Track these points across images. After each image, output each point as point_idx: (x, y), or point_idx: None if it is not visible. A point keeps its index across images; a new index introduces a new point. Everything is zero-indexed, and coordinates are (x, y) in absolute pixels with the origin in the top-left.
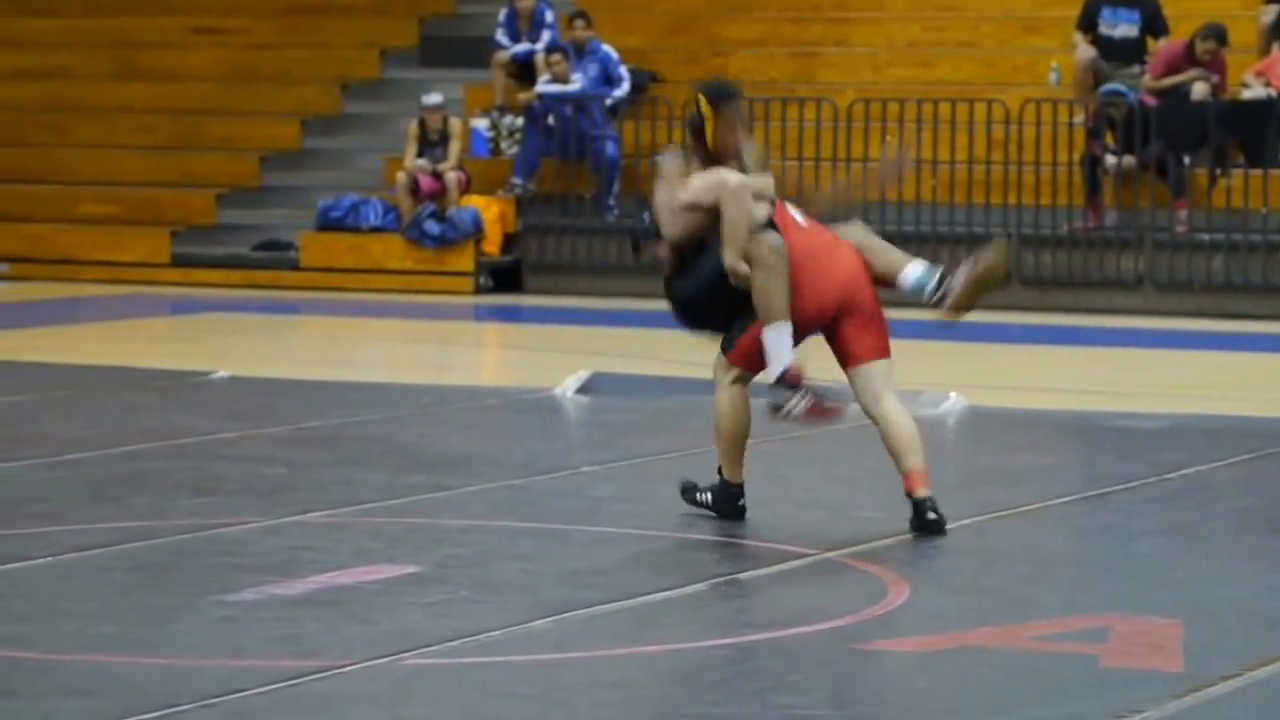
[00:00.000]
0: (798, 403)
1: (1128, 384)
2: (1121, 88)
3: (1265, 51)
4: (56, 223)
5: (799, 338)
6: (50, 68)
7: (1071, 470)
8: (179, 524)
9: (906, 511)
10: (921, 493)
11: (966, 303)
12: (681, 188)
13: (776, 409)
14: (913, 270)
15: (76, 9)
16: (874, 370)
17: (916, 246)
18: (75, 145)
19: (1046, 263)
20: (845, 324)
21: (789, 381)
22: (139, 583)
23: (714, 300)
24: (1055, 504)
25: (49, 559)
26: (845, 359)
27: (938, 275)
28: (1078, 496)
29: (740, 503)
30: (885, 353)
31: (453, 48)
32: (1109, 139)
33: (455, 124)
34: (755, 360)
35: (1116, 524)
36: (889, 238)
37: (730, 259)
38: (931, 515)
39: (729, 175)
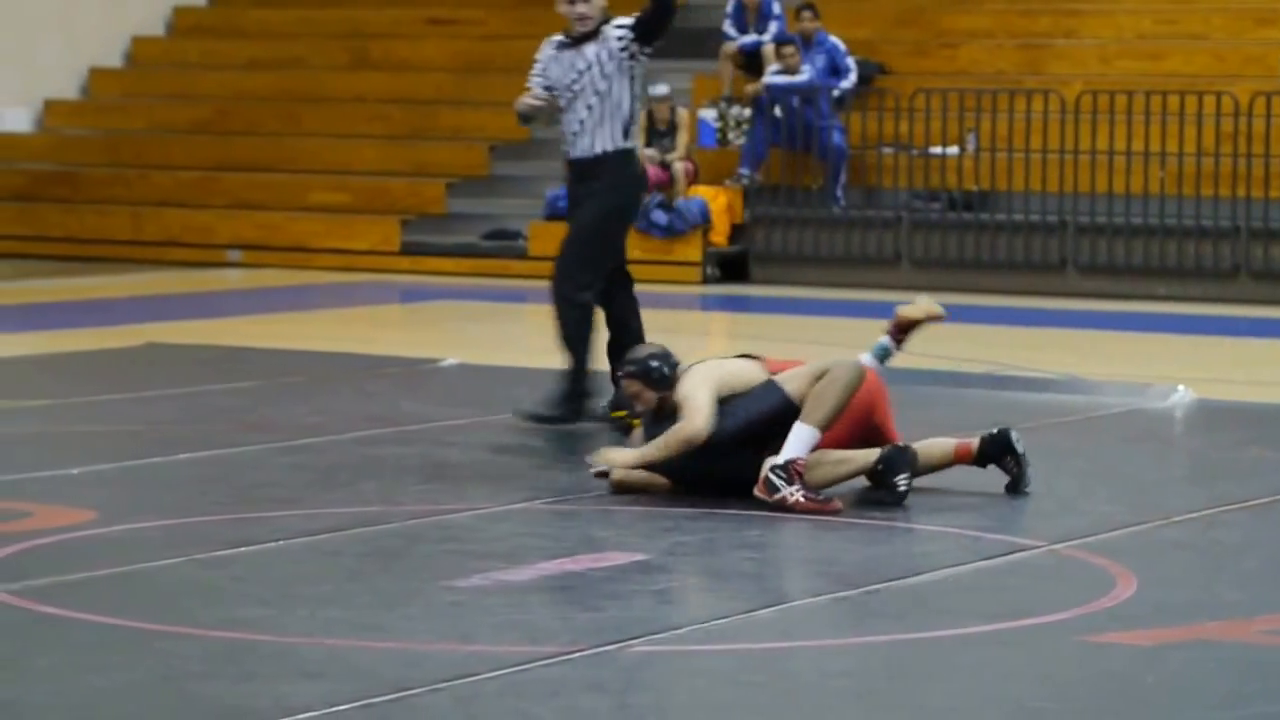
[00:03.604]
0: (795, 494)
1: None
2: None
3: None
4: (289, 211)
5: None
6: (284, 58)
7: None
8: (409, 509)
9: (1138, 505)
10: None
11: (910, 317)
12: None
13: (773, 490)
14: (863, 356)
15: (311, 0)
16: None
17: (1146, 239)
18: (308, 135)
19: (1276, 256)
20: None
21: (794, 470)
22: (369, 567)
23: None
24: None
25: (282, 543)
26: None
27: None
28: None
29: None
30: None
31: (681, 39)
32: None
33: (683, 114)
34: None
35: None
36: (1117, 230)
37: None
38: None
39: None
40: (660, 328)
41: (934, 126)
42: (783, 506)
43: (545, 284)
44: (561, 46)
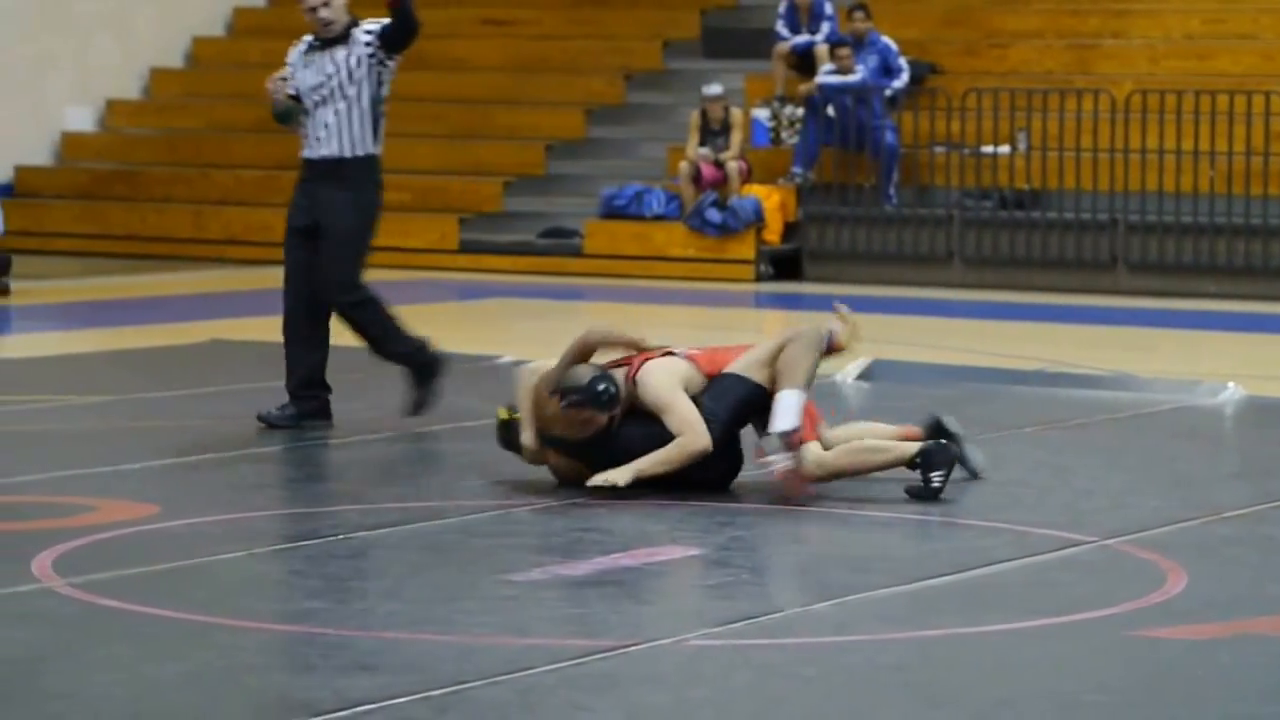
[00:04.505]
0: (783, 461)
1: None
2: None
3: None
4: None
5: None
6: None
7: None
8: (466, 504)
9: (1188, 501)
10: None
11: (846, 341)
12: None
13: (764, 454)
14: None
15: (367, 0)
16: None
17: (1195, 237)
18: None
19: None
20: None
21: (791, 441)
22: (428, 562)
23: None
24: None
25: (341, 537)
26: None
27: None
28: None
29: None
30: None
31: (734, 39)
32: None
33: (736, 114)
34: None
35: None
36: (1167, 229)
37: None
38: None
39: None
40: (714, 325)
41: (985, 126)
42: (767, 469)
43: (602, 281)
44: (310, 49)
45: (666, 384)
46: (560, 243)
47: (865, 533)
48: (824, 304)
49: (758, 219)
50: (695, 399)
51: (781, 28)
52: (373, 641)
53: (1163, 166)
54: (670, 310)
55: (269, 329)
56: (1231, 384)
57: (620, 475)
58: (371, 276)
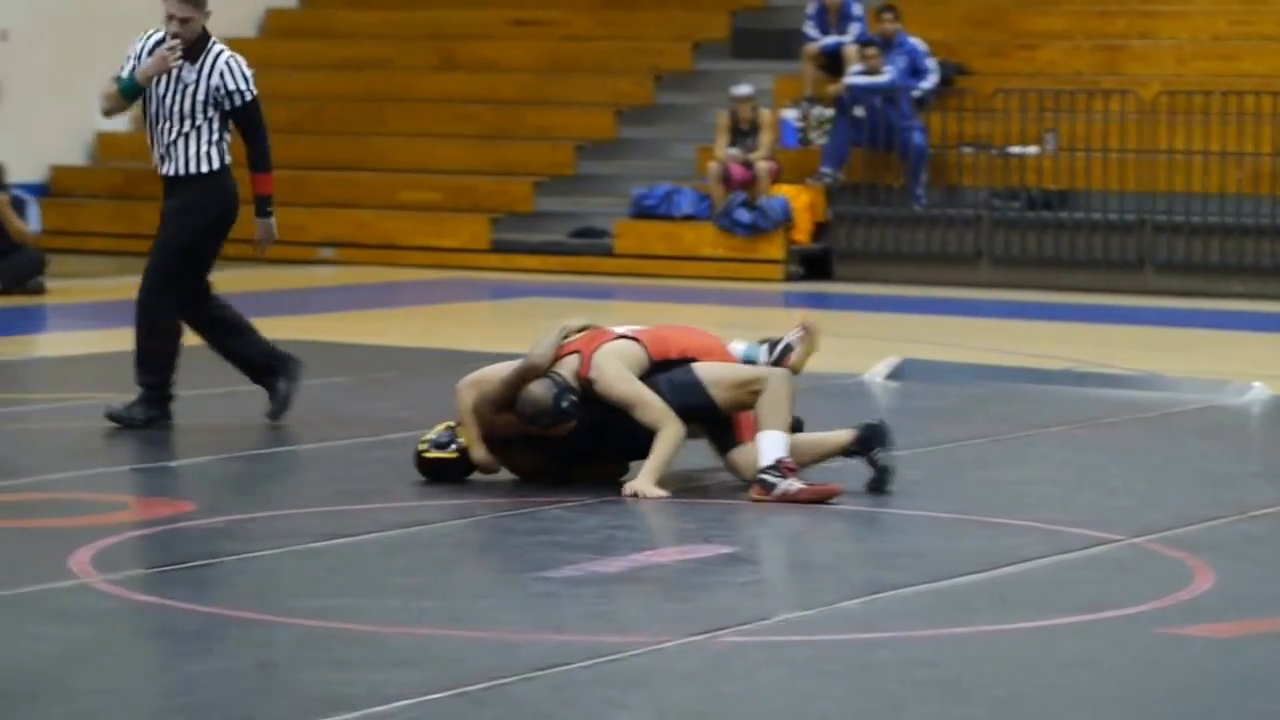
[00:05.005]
0: (793, 485)
1: None
2: None
3: None
4: (380, 209)
5: None
6: (373, 59)
7: None
8: (499, 502)
9: (1215, 499)
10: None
11: (802, 364)
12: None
13: (770, 487)
14: (736, 346)
15: (399, 2)
16: None
17: (1222, 238)
18: (397, 134)
19: None
20: None
21: (784, 468)
22: (461, 559)
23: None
24: None
25: (377, 534)
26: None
27: (765, 346)
28: None
29: None
30: None
31: (763, 40)
32: None
33: (765, 114)
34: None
35: None
36: (1194, 230)
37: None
38: None
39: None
40: (745, 325)
41: (1013, 126)
42: (785, 499)
43: (633, 281)
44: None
45: (624, 377)
46: (591, 242)
47: (894, 531)
48: (853, 303)
49: (787, 219)
50: (646, 381)
51: (810, 28)
52: (407, 638)
53: (1190, 167)
54: (700, 310)
55: (301, 328)
56: (1258, 383)
57: (646, 487)
58: (405, 276)
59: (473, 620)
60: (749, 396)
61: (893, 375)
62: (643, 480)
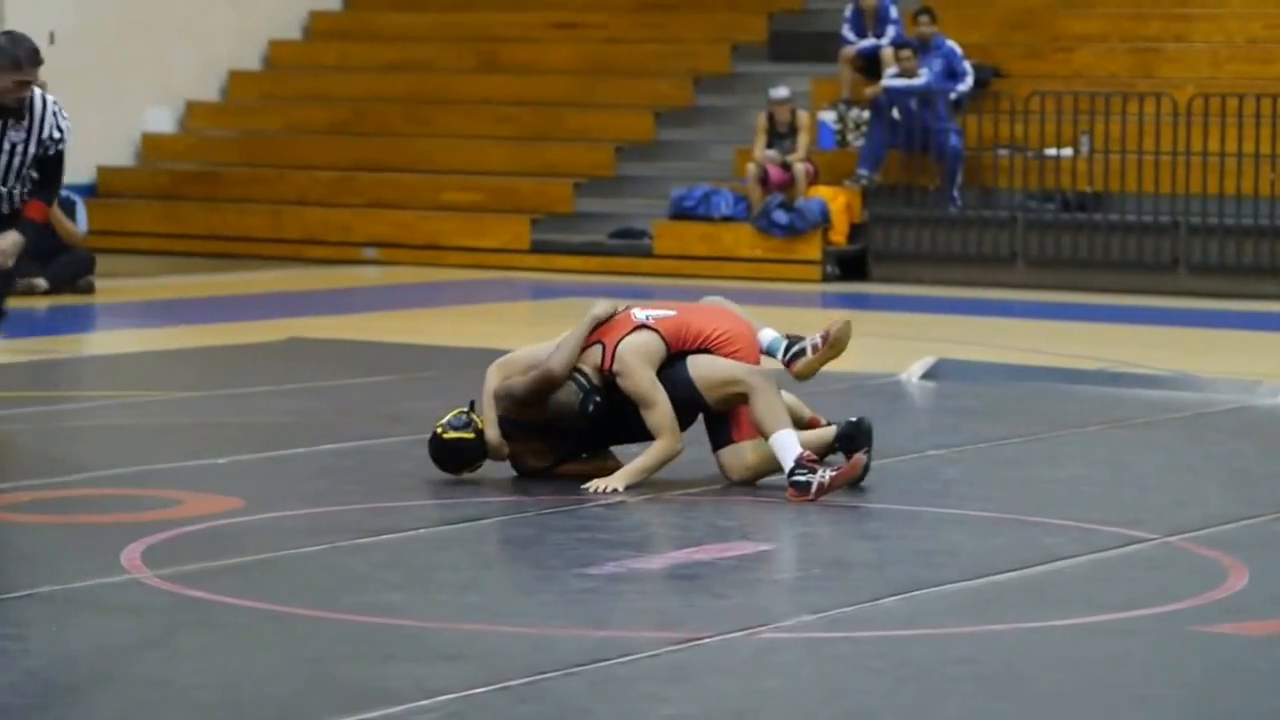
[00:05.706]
0: (824, 473)
1: None
2: None
3: None
4: (422, 210)
5: None
6: (416, 61)
7: None
8: (542, 499)
9: (1249, 499)
10: None
11: (810, 372)
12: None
13: (805, 487)
14: (766, 334)
15: (441, 4)
16: None
17: (1256, 239)
18: (439, 136)
19: None
20: None
21: (805, 462)
22: (505, 555)
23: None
24: None
25: (422, 531)
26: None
27: (785, 344)
28: None
29: None
30: None
31: (801, 43)
32: None
33: (803, 116)
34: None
35: None
36: (1228, 232)
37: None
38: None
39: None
40: (782, 325)
41: (1048, 129)
42: (822, 491)
43: (672, 281)
44: None
45: (647, 377)
46: (630, 243)
47: (932, 529)
48: (890, 304)
49: (824, 220)
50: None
51: (847, 31)
52: (452, 633)
53: (1224, 169)
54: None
55: (346, 327)
56: None
57: (615, 484)
58: (446, 276)
59: (515, 616)
60: (733, 394)
61: (928, 375)
62: (616, 478)
